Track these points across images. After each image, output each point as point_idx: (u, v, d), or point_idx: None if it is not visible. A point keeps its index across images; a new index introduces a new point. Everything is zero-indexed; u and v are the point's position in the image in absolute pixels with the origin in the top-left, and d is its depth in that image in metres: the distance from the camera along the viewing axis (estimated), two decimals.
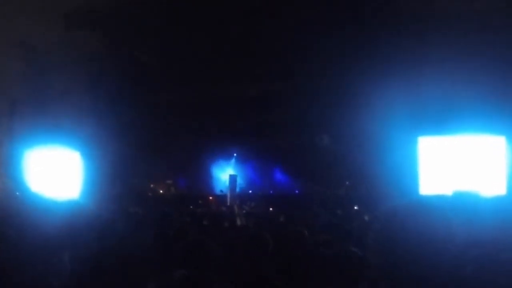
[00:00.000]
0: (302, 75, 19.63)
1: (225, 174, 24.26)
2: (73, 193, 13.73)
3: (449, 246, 2.08)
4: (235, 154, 24.80)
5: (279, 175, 24.29)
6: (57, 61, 15.28)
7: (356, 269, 2.10)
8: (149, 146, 22.54)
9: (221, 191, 23.73)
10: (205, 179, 24.61)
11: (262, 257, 4.60)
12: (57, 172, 13.86)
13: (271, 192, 23.57)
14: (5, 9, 13.03)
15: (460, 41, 13.95)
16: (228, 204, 8.20)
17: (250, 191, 23.27)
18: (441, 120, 12.63)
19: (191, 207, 17.93)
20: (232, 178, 21.80)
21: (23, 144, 13.88)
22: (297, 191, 22.60)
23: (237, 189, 21.80)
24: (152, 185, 24.34)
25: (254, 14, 18.18)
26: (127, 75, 18.76)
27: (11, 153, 14.08)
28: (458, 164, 12.30)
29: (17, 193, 13.14)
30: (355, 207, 13.49)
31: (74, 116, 15.36)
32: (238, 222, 8.50)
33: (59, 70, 15.46)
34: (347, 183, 20.71)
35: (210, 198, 22.19)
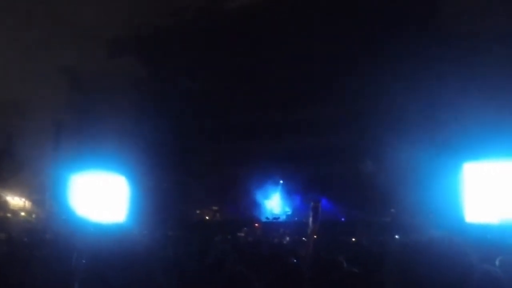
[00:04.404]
0: (349, 102, 19.55)
1: (269, 201, 24.19)
2: (118, 218, 13.83)
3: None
4: (281, 181, 24.65)
5: (324, 202, 24.02)
6: (101, 86, 15.57)
7: None
8: (194, 172, 22.66)
9: (267, 218, 23.63)
10: (251, 205, 24.50)
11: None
12: (102, 197, 14.00)
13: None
14: (50, 36, 13.38)
15: (507, 65, 13.68)
16: (309, 232, 8.01)
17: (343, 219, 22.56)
18: (487, 145, 12.24)
19: (238, 233, 17.87)
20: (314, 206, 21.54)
21: (69, 169, 14.09)
22: (343, 219, 22.28)
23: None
24: (197, 211, 24.39)
25: (304, 37, 18.24)
26: (169, 100, 18.96)
27: (57, 178, 14.30)
28: (505, 191, 11.81)
29: (63, 217, 13.32)
30: (396, 236, 13.14)
31: (119, 141, 15.57)
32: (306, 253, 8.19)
33: (103, 95, 15.74)
34: (392, 210, 20.31)
35: (256, 225, 22.07)
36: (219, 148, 22.54)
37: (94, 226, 10.67)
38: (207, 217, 24.23)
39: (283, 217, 23.61)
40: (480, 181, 11.83)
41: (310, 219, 8.13)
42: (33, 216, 19.84)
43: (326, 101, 20.24)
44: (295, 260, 6.03)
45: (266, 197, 24.63)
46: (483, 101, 13.67)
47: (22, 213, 21.30)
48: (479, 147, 12.33)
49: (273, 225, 22.01)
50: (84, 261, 5.76)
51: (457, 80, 14.77)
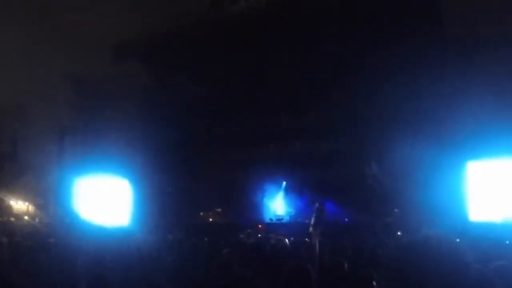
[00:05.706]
0: (351, 104, 19.54)
1: (273, 202, 24.18)
2: (122, 221, 13.86)
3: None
4: (284, 183, 24.61)
5: (328, 203, 23.93)
6: (106, 91, 15.60)
7: None
8: (198, 174, 22.66)
9: (271, 219, 23.60)
10: (255, 207, 24.44)
11: None
12: (106, 200, 14.03)
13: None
14: (55, 41, 13.43)
15: (510, 64, 13.65)
16: (313, 235, 7.90)
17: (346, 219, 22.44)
18: (490, 144, 12.20)
19: (241, 235, 17.83)
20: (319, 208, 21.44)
21: (73, 173, 14.12)
22: (346, 219, 22.22)
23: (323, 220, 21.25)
24: (201, 214, 24.32)
25: (306, 42, 18.25)
26: (173, 104, 18.98)
27: (61, 181, 14.33)
28: (509, 189, 11.73)
29: (67, 220, 13.35)
30: (399, 233, 13.09)
31: (122, 144, 15.58)
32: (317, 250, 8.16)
33: (107, 99, 15.77)
34: (396, 210, 20.23)
35: (259, 226, 22.03)
36: (222, 151, 22.56)
37: (98, 229, 10.70)
38: (210, 220, 24.17)
39: (286, 218, 23.60)
40: (483, 180, 11.79)
41: (314, 221, 8.07)
42: (37, 220, 19.84)
43: (328, 104, 20.25)
44: (299, 262, 6.02)
45: (269, 198, 24.60)
46: (486, 99, 13.64)
47: (26, 217, 21.29)
48: (482, 146, 12.28)
49: (277, 226, 22.00)
50: (88, 265, 5.76)
51: (459, 79, 14.75)
